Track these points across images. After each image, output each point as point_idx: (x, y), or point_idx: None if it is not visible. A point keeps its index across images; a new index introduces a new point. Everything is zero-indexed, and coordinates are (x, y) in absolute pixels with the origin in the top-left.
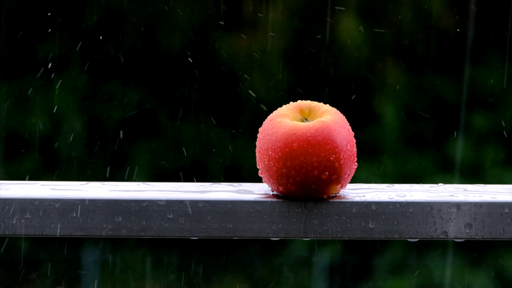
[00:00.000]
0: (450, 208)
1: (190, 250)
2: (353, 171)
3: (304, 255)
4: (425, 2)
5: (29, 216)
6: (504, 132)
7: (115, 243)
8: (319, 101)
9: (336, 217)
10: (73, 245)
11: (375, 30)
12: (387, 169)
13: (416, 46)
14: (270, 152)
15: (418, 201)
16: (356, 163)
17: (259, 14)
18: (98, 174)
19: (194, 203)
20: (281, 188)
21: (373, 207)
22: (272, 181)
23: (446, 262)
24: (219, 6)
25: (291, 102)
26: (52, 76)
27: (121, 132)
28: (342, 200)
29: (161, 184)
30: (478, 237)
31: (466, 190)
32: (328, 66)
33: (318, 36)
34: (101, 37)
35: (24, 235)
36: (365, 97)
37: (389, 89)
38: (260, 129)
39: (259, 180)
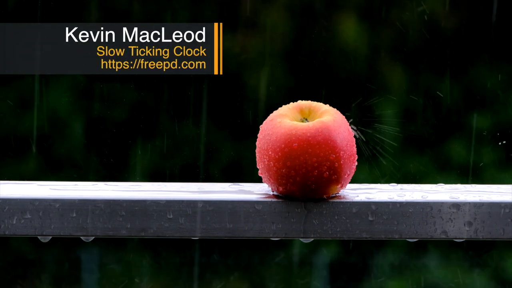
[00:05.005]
0: (450, 208)
1: (190, 250)
2: (353, 171)
3: (304, 255)
4: (425, 2)
5: (29, 216)
6: (504, 132)
7: (115, 243)
8: (319, 101)
9: (336, 217)
10: (73, 245)
11: (375, 30)
12: (386, 169)
13: (416, 46)
14: (270, 152)
15: (418, 201)
16: (356, 163)
17: (258, 14)
18: (98, 174)
19: (194, 203)
20: (281, 188)
21: (373, 207)
22: (272, 181)
23: (446, 262)
24: (218, 5)
25: (291, 102)
26: (51, 76)
27: (121, 132)
28: (342, 200)
29: (161, 184)
30: (478, 237)
31: (466, 190)
32: (328, 66)
33: (318, 36)
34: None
35: (24, 235)
36: (365, 97)
37: (389, 89)
38: (260, 129)
39: (259, 180)
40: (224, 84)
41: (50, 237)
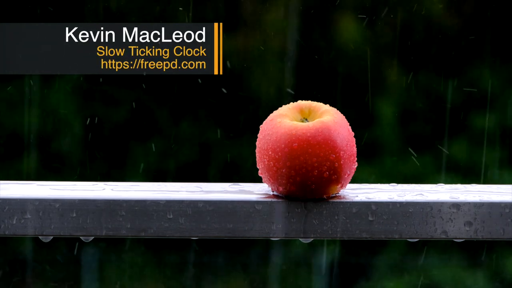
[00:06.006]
0: (450, 208)
1: (190, 250)
2: (353, 171)
3: (304, 255)
4: (425, 2)
5: (29, 216)
6: (504, 132)
7: (115, 243)
8: (319, 101)
9: (336, 217)
10: (73, 245)
11: (375, 30)
12: (386, 169)
13: (415, 46)
14: (270, 152)
15: (418, 201)
16: (356, 163)
17: (259, 14)
18: (98, 174)
19: (194, 203)
20: (281, 188)
21: (373, 207)
22: (272, 181)
23: (446, 262)
24: (218, 5)
25: (291, 102)
26: (51, 76)
27: (120, 132)
28: (342, 200)
29: (161, 184)
30: (478, 237)
31: (466, 190)
32: (328, 65)
33: (318, 36)
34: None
35: (24, 235)
36: (365, 97)
37: (389, 89)
38: (260, 129)
39: (259, 180)
40: (224, 84)
41: (51, 237)
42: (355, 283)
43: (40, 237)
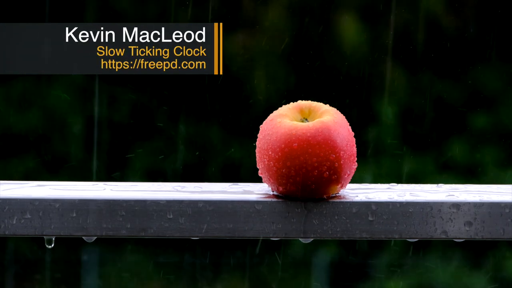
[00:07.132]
0: (450, 208)
1: (190, 250)
2: (353, 171)
3: (304, 255)
4: (425, 2)
5: (29, 216)
6: (504, 132)
7: (115, 243)
8: (319, 101)
9: (336, 217)
10: (73, 245)
11: (375, 30)
12: (386, 169)
13: (416, 46)
14: (270, 152)
15: (418, 201)
16: (356, 163)
17: (258, 14)
18: (98, 174)
19: (194, 203)
20: (281, 188)
21: (373, 207)
22: (272, 181)
23: (445, 262)
24: (218, 5)
25: (291, 102)
26: (51, 75)
27: (120, 132)
28: (342, 200)
29: (161, 184)
30: (478, 237)
31: (466, 190)
32: (328, 65)
33: (318, 36)
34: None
35: (24, 235)
36: (365, 97)
37: (389, 89)
38: (260, 129)
39: (259, 180)
40: (224, 84)
41: (54, 237)
42: (355, 283)
43: (44, 237)
